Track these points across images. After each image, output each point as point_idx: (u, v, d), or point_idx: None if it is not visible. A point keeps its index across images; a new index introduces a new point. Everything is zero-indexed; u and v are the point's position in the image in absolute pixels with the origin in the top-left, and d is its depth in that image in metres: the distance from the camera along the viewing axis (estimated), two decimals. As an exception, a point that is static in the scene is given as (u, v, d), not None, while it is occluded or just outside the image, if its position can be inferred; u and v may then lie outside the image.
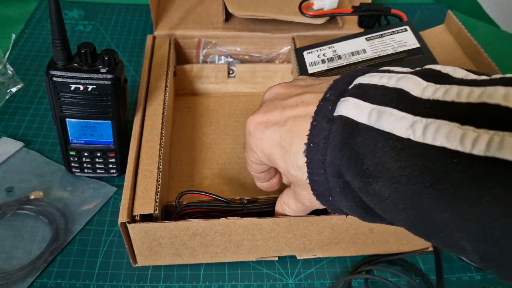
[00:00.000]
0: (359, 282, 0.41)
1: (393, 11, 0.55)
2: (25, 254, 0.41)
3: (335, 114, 0.26)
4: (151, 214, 0.37)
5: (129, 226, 0.36)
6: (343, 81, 0.27)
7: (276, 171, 0.37)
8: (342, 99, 0.26)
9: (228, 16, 0.58)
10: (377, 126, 0.23)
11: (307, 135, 0.27)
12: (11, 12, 0.71)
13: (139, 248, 0.38)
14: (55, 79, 0.39)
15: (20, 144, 0.50)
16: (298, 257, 0.42)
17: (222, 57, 0.58)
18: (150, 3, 0.55)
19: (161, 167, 0.40)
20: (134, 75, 0.61)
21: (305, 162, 0.27)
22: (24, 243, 0.41)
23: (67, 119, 0.42)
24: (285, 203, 0.35)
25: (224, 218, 0.36)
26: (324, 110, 0.26)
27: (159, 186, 0.38)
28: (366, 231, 0.40)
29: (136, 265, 0.41)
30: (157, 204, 0.37)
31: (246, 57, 0.59)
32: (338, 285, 0.40)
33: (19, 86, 0.54)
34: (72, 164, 0.46)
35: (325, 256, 0.42)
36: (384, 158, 0.23)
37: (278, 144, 0.29)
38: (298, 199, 0.32)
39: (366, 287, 0.40)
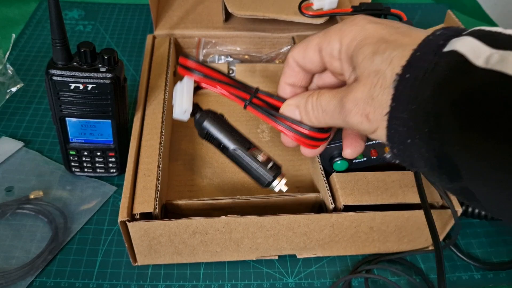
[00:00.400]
0: (359, 281, 0.41)
1: (393, 10, 0.55)
2: (25, 253, 0.40)
3: (445, 49, 0.23)
4: (151, 212, 0.37)
5: (129, 224, 0.36)
6: (456, 27, 0.25)
7: (308, 81, 0.33)
8: (456, 38, 0.23)
9: (228, 15, 0.58)
10: (497, 68, 0.20)
11: (402, 66, 0.24)
12: (11, 13, 0.71)
13: (139, 247, 0.38)
14: (54, 78, 0.39)
15: (20, 144, 0.50)
16: (298, 256, 0.42)
17: (222, 57, 0.59)
18: (150, 3, 0.55)
19: (161, 166, 0.40)
20: (134, 74, 0.61)
21: (392, 95, 0.24)
22: (23, 242, 0.41)
23: (67, 119, 0.42)
24: (320, 94, 0.29)
25: (224, 216, 0.36)
26: (433, 44, 0.23)
27: (159, 185, 0.38)
28: (367, 230, 0.39)
29: (136, 264, 0.41)
30: (157, 202, 0.37)
31: (246, 56, 0.59)
32: (338, 285, 0.40)
33: (19, 86, 0.54)
34: (72, 164, 0.46)
35: (325, 255, 0.42)
36: (499, 106, 0.20)
37: (381, 37, 0.26)
38: (342, 98, 0.27)
39: (366, 286, 0.40)
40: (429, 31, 0.25)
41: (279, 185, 0.34)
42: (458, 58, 0.22)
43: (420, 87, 0.23)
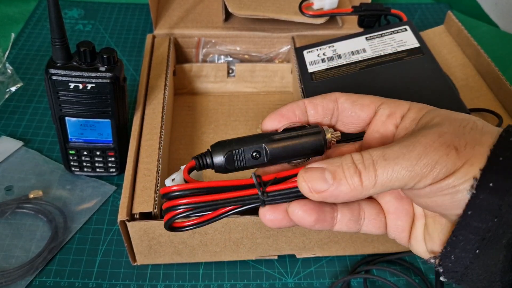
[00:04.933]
0: (358, 281, 0.41)
1: (393, 11, 0.55)
2: (24, 253, 0.40)
3: None
4: (150, 212, 0.37)
5: (129, 224, 0.36)
6: None
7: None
8: None
9: (228, 15, 0.58)
10: None
11: (481, 169, 0.21)
12: (11, 11, 0.71)
13: (138, 247, 0.38)
14: (54, 77, 0.39)
15: (19, 143, 0.50)
16: (297, 256, 0.42)
17: (222, 57, 0.59)
18: (150, 2, 0.55)
19: (160, 165, 0.40)
20: (134, 74, 0.61)
21: (469, 198, 0.21)
22: (23, 242, 0.41)
23: (66, 118, 0.42)
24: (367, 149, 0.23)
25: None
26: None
27: (158, 185, 0.38)
28: (366, 230, 0.40)
29: (135, 263, 0.41)
30: (156, 202, 0.37)
31: (246, 56, 0.59)
32: (337, 285, 0.40)
33: (18, 85, 0.54)
34: (72, 163, 0.46)
35: (325, 255, 0.42)
36: None
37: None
38: (414, 134, 0.22)
39: (365, 287, 0.40)
40: (490, 138, 0.22)
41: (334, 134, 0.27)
42: None
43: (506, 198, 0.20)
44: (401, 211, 0.27)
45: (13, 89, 0.54)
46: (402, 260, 0.43)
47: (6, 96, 0.54)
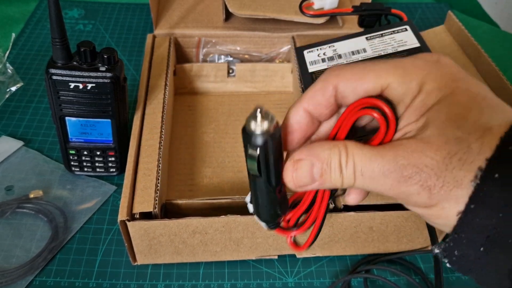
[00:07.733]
0: (358, 281, 0.41)
1: (393, 10, 0.55)
2: (25, 253, 0.41)
3: None
4: (151, 212, 0.37)
5: (129, 224, 0.36)
6: None
7: (329, 116, 0.26)
8: None
9: (228, 15, 0.58)
10: None
11: (487, 159, 0.19)
12: (11, 12, 0.71)
13: (139, 246, 0.38)
14: (54, 77, 0.39)
15: (19, 143, 0.50)
16: (297, 256, 0.42)
17: (222, 56, 0.59)
18: (150, 2, 0.55)
19: (160, 165, 0.40)
20: (134, 74, 0.61)
21: (473, 190, 0.19)
22: (23, 242, 0.41)
23: (66, 118, 0.42)
24: (351, 149, 0.22)
25: (224, 216, 0.36)
26: None
27: (159, 184, 0.38)
28: (366, 230, 0.40)
29: (136, 263, 0.41)
30: (157, 202, 0.37)
31: (246, 56, 0.59)
32: (338, 285, 0.40)
33: (19, 85, 0.54)
34: (72, 163, 0.46)
35: (325, 255, 0.42)
36: None
37: (473, 98, 0.21)
38: (395, 157, 0.21)
39: (366, 286, 0.40)
40: None
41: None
42: None
43: None
44: None
45: (13, 89, 0.54)
46: (403, 260, 0.43)
47: (7, 96, 0.54)
